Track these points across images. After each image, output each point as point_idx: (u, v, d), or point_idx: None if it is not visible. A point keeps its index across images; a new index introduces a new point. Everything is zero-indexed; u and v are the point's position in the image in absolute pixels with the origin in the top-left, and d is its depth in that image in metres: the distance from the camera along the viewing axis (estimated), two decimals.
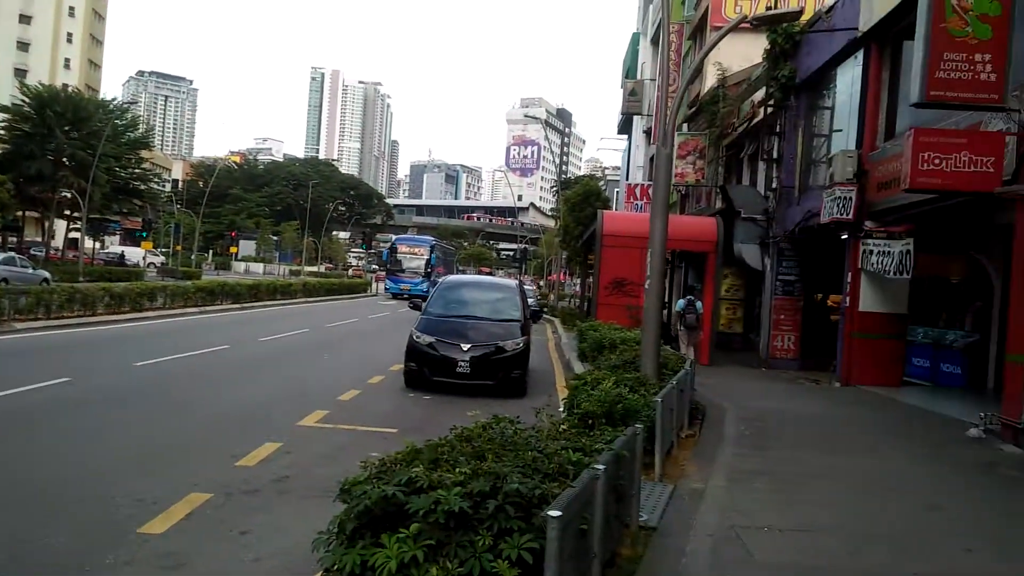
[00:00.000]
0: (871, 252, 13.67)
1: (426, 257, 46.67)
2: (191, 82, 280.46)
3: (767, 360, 17.97)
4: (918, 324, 15.74)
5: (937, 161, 10.27)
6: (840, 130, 16.50)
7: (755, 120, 20.62)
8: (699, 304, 17.08)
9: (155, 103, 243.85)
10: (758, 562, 5.06)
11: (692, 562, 5.00)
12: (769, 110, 19.07)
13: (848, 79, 16.10)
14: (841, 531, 5.78)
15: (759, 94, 19.98)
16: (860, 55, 15.16)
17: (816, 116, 18.03)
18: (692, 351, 15.98)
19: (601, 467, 4.28)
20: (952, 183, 10.28)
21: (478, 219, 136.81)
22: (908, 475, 7.78)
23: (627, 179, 46.51)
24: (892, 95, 14.26)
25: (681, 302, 17.37)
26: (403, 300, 39.19)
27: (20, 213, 47.61)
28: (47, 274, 30.89)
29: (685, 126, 27.49)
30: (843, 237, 15.07)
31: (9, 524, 5.21)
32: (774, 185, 18.98)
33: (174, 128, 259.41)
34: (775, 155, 19.09)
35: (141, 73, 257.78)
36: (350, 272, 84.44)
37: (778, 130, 18.99)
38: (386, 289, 47.11)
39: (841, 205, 14.25)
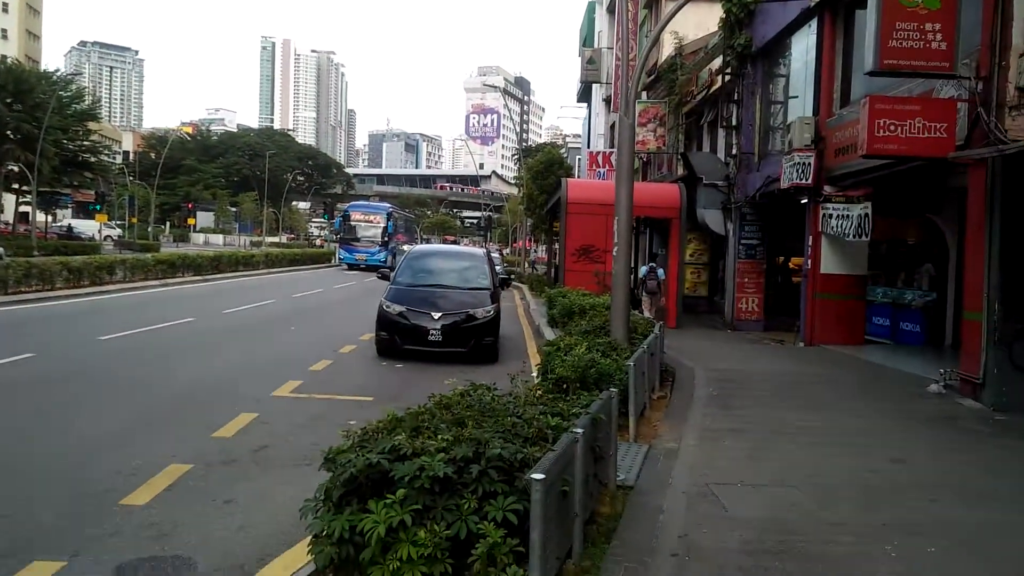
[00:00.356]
0: (831, 216, 13.96)
1: (383, 225, 43.81)
2: (136, 52, 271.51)
3: (732, 322, 18.32)
4: (877, 285, 16.17)
5: (892, 127, 10.48)
6: (796, 97, 16.70)
7: (713, 88, 20.75)
8: (660, 271, 17.64)
9: (100, 74, 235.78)
10: (732, 516, 5.25)
11: (669, 518, 5.16)
12: (727, 78, 19.19)
13: (803, 47, 16.27)
14: (810, 485, 6.00)
15: (716, 62, 20.08)
16: (814, 24, 15.31)
17: (773, 83, 18.21)
18: (655, 314, 16.47)
19: (580, 430, 4.39)
20: (907, 149, 10.52)
21: (450, 188, 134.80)
22: (873, 430, 8.07)
23: (588, 147, 46.50)
24: (847, 62, 14.47)
25: (644, 268, 17.71)
26: (363, 271, 38.26)
27: None
28: (0, 249, 30.04)
29: (644, 94, 27.52)
30: (803, 201, 15.35)
31: None
32: (734, 151, 19.18)
33: (121, 100, 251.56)
34: (734, 122, 19.26)
35: (83, 43, 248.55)
36: (318, 242, 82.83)
37: (736, 97, 19.14)
38: (340, 260, 43.65)
39: (800, 171, 14.49)
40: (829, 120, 14.40)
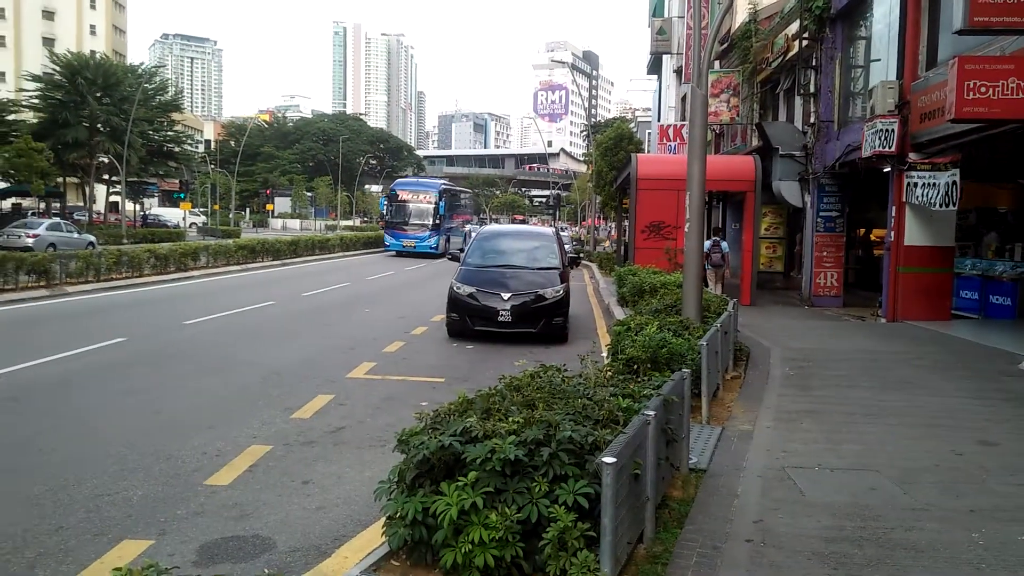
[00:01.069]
0: (915, 184, 13.35)
1: (433, 204, 37.85)
2: (215, 43, 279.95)
3: (810, 298, 17.80)
4: (966, 256, 15.42)
5: (983, 89, 9.95)
6: (879, 60, 15.96)
7: (789, 54, 20.02)
8: (724, 244, 17.54)
9: (181, 65, 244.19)
10: (809, 501, 5.12)
11: (744, 502, 5.07)
12: (804, 43, 18.49)
13: (886, 7, 15.51)
14: (892, 469, 5.79)
15: (793, 27, 19.35)
16: None
17: (853, 47, 17.45)
18: (719, 287, 16.59)
19: (651, 412, 4.34)
20: (1000, 111, 9.98)
21: (539, 169, 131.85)
22: (959, 410, 7.72)
23: (659, 120, 45.64)
24: (933, 22, 13.73)
25: (707, 242, 17.44)
26: (418, 257, 35.25)
27: (61, 179, 48.43)
28: (92, 238, 31.61)
29: (717, 63, 26.80)
30: (886, 170, 14.72)
31: (88, 480, 5.47)
32: (812, 120, 18.51)
33: (202, 89, 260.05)
34: (812, 89, 18.57)
35: (165, 36, 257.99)
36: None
37: (814, 63, 18.43)
38: (386, 246, 38.41)
39: (883, 138, 13.89)
40: (914, 84, 13.73)
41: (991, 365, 10.12)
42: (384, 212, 41.57)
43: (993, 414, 7.57)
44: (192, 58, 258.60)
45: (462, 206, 47.01)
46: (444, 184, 43.31)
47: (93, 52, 54.88)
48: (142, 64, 57.38)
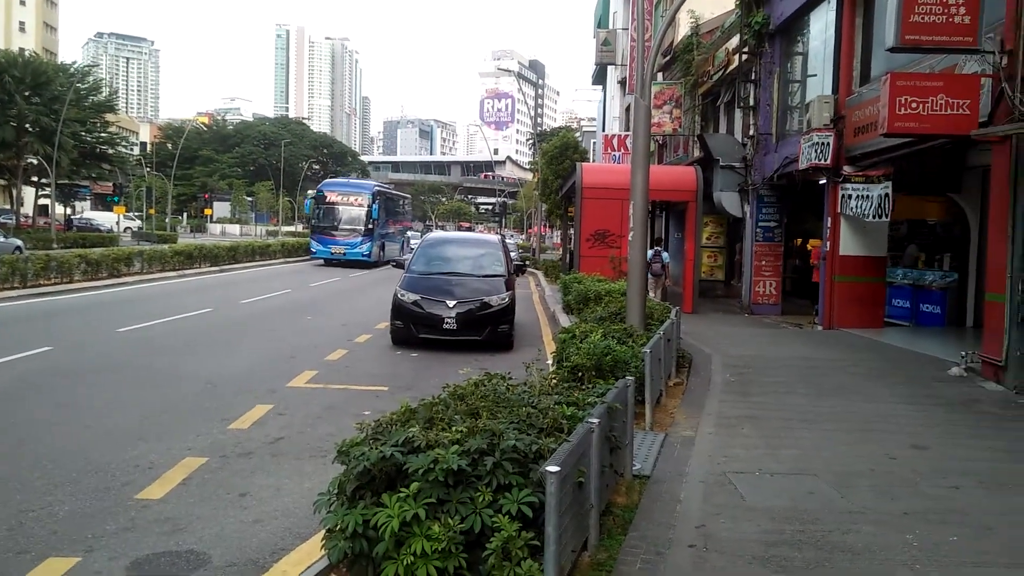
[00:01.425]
0: (850, 196, 13.75)
1: (366, 207, 34.16)
2: (152, 43, 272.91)
3: (749, 306, 18.17)
4: (897, 266, 15.96)
5: (914, 105, 10.29)
6: (815, 75, 16.44)
7: (730, 68, 20.47)
8: (665, 254, 18.32)
9: (116, 65, 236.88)
10: (750, 506, 5.19)
11: (686, 508, 5.11)
12: (744, 57, 18.93)
13: (822, 24, 16.01)
14: (829, 473, 5.92)
15: (733, 41, 19.81)
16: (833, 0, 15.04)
17: (791, 62, 17.94)
18: (659, 295, 17.19)
19: (595, 420, 4.34)
20: (929, 127, 10.32)
21: (492, 177, 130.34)
22: (893, 415, 7.95)
23: (603, 130, 46.21)
24: (866, 39, 14.21)
25: (648, 252, 17.78)
26: (350, 267, 32.07)
27: None
28: (19, 242, 30.34)
29: (660, 75, 27.26)
30: (822, 182, 15.14)
31: (11, 496, 5.20)
32: (751, 132, 18.95)
33: (138, 90, 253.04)
34: (751, 102, 19.01)
35: (100, 35, 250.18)
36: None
37: (753, 77, 18.88)
38: (312, 254, 34.65)
39: (819, 150, 14.28)
40: (849, 99, 14.16)
41: (923, 371, 10.46)
42: (310, 216, 36.68)
43: (925, 419, 7.81)
44: (128, 58, 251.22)
45: (400, 211, 43.73)
46: (378, 186, 39.48)
47: (22, 50, 52.90)
48: (74, 63, 55.56)
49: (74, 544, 4.51)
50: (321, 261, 34.07)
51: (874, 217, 13.16)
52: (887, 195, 12.88)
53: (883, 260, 14.96)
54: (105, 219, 56.35)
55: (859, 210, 13.49)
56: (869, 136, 12.80)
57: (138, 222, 63.73)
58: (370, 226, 34.01)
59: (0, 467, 5.80)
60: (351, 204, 34.33)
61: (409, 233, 48.07)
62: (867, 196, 13.32)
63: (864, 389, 9.29)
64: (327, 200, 34.65)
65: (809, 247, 19.09)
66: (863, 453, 6.51)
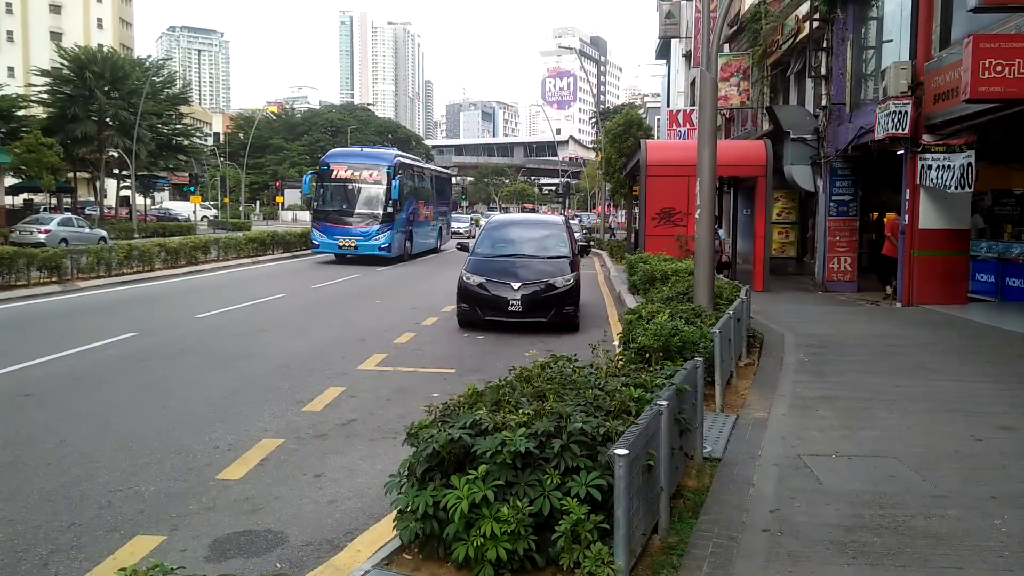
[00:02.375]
0: (930, 167, 13.18)
1: (384, 186, 25.74)
2: (222, 34, 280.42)
3: (823, 283, 17.65)
4: (982, 238, 15.23)
5: (999, 68, 9.79)
6: (891, 41, 15.74)
7: (800, 36, 19.78)
8: (721, 231, 17.80)
9: (189, 58, 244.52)
10: (827, 489, 5.05)
11: (760, 491, 5.00)
12: (815, 24, 18.26)
13: None
14: (910, 456, 5.71)
15: (803, 8, 19.11)
16: None
17: (865, 28, 17.21)
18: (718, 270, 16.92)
19: (664, 402, 4.28)
20: (1016, 91, 9.82)
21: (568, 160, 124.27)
22: (978, 395, 7.62)
23: (668, 105, 45.35)
24: (946, 1, 13.51)
25: None
26: (355, 262, 25.43)
27: (71, 174, 48.67)
28: (104, 233, 31.76)
29: (726, 46, 26.53)
30: (899, 153, 14.54)
31: (100, 476, 5.46)
32: (823, 103, 18.30)
33: (210, 82, 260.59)
34: (823, 71, 18.35)
35: (172, 28, 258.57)
36: None
37: (825, 45, 18.20)
38: (314, 247, 26.64)
39: (896, 119, 13.70)
40: (927, 64, 13.52)
41: (1009, 348, 9.99)
42: (310, 197, 27.77)
43: (1012, 398, 7.46)
44: (199, 50, 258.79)
45: (433, 190, 33.14)
46: (401, 156, 29.17)
47: (100, 46, 55.09)
48: (149, 57, 57.62)
49: (160, 523, 4.71)
50: (332, 257, 26.68)
51: (956, 188, 12.58)
52: (970, 164, 12.28)
53: (966, 232, 14.30)
54: (182, 209, 58.38)
55: (940, 181, 12.91)
56: (950, 103, 12.21)
57: (213, 211, 65.79)
58: (389, 209, 25.53)
59: (89, 446, 6.09)
60: (364, 180, 25.89)
61: (456, 218, 46.33)
62: (948, 166, 12.73)
63: (946, 368, 8.92)
64: (332, 175, 26.10)
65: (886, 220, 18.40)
66: (946, 434, 6.27)
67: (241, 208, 69.27)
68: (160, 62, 56.42)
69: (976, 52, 9.82)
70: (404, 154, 30.75)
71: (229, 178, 75.99)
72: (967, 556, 4.07)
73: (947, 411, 7.00)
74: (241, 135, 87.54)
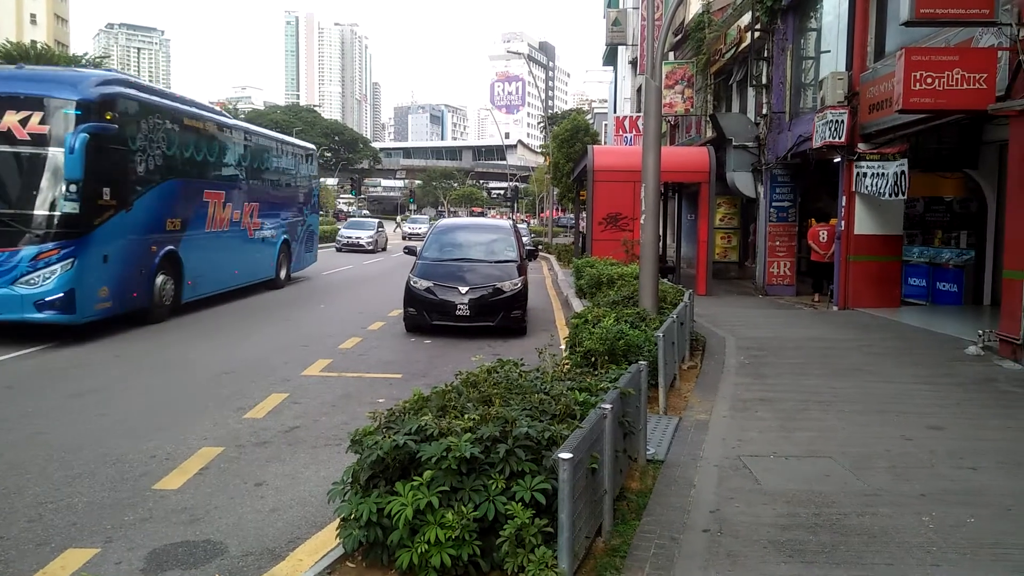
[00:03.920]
0: (865, 174, 13.60)
1: (57, 152, 10.42)
2: (163, 32, 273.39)
3: (764, 287, 18.06)
4: (913, 244, 15.78)
5: (929, 80, 10.14)
6: (828, 52, 16.22)
7: (742, 45, 20.24)
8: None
9: (128, 56, 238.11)
10: (765, 490, 5.17)
11: (701, 492, 5.09)
12: (756, 35, 18.70)
13: None
14: (845, 455, 5.88)
15: (745, 18, 19.57)
16: None
17: (804, 38, 17.71)
18: None
19: (608, 406, 4.33)
20: (945, 102, 10.17)
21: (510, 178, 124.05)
22: (909, 395, 7.88)
23: (615, 111, 45.89)
24: (880, 14, 13.98)
25: None
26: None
27: None
28: None
29: (671, 54, 26.99)
30: (836, 161, 14.98)
31: (30, 488, 5.27)
32: (764, 111, 18.76)
33: (150, 81, 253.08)
34: (764, 80, 18.81)
35: (111, 26, 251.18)
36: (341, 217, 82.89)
37: (766, 55, 18.66)
38: None
39: (833, 128, 14.12)
40: (863, 75, 13.97)
41: (939, 351, 10.36)
42: None
43: (941, 399, 7.75)
44: (139, 48, 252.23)
45: (259, 170, 17.82)
46: (124, 86, 12.03)
47: (34, 42, 53.11)
48: (86, 55, 55.80)
49: (93, 535, 4.56)
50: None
51: (890, 195, 13.01)
52: (903, 172, 12.72)
53: (899, 239, 14.81)
54: None
55: (875, 188, 13.34)
56: (884, 113, 12.63)
57: None
58: (72, 206, 10.60)
59: (19, 457, 5.86)
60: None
61: (414, 219, 48.72)
62: (882, 174, 13.16)
63: (880, 369, 9.22)
64: None
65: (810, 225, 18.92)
66: (879, 434, 6.47)
67: None
68: (97, 60, 54.79)
69: (908, 64, 10.17)
70: (140, 82, 13.76)
71: None
72: (897, 552, 4.21)
73: (880, 412, 7.23)
74: None
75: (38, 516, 4.82)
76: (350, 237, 36.09)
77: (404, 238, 48.30)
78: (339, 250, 34.98)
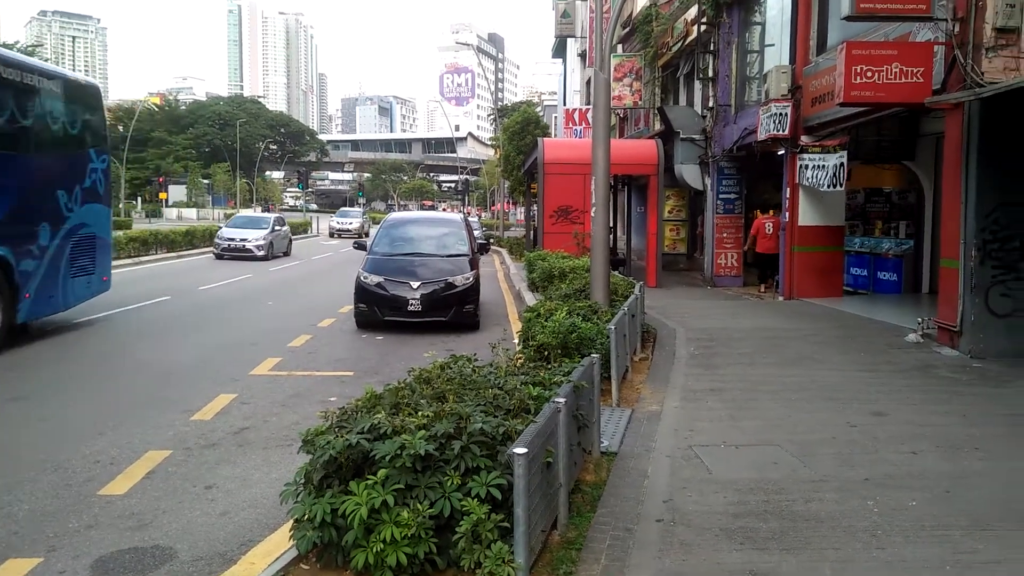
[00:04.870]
0: (806, 167, 13.91)
1: None
2: (99, 20, 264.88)
3: (712, 278, 18.36)
4: (855, 235, 16.22)
5: (869, 74, 10.38)
6: (773, 45, 16.52)
7: (689, 39, 20.48)
8: None
9: (62, 45, 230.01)
10: (716, 479, 5.26)
11: (654, 483, 5.16)
12: (702, 28, 18.94)
13: None
14: (792, 443, 6.02)
15: (692, 12, 19.80)
16: None
17: (749, 32, 18.00)
18: None
19: (562, 400, 4.35)
20: (884, 95, 10.43)
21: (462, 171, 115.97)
22: (853, 383, 8.10)
23: (564, 104, 46.06)
24: (822, 8, 14.29)
25: None
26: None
27: None
28: None
29: (620, 47, 27.18)
30: (780, 153, 15.28)
31: None
32: (711, 104, 19.02)
33: (85, 70, 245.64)
34: (710, 74, 19.05)
35: (43, 13, 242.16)
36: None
37: (712, 48, 18.91)
38: None
39: (777, 121, 14.40)
40: (806, 68, 14.27)
41: (881, 338, 10.68)
42: None
43: (883, 386, 7.98)
44: (74, 37, 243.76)
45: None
46: None
47: None
48: (17, 43, 53.74)
49: (35, 544, 4.41)
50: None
51: (829, 187, 13.34)
52: (842, 164, 13.04)
53: (841, 229, 15.19)
54: None
55: (815, 180, 13.66)
56: (826, 106, 12.92)
57: None
58: None
59: None
60: None
61: (343, 211, 46.17)
62: (822, 166, 13.48)
63: (824, 358, 9.46)
64: None
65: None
66: (824, 421, 6.64)
67: (120, 205, 65.71)
68: (30, 48, 52.82)
69: (849, 58, 10.41)
70: None
71: None
72: (843, 537, 4.33)
73: (825, 399, 7.42)
74: (120, 127, 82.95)
75: None
76: (232, 240, 26.98)
77: (332, 236, 45.64)
78: (219, 257, 26.71)
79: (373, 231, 15.77)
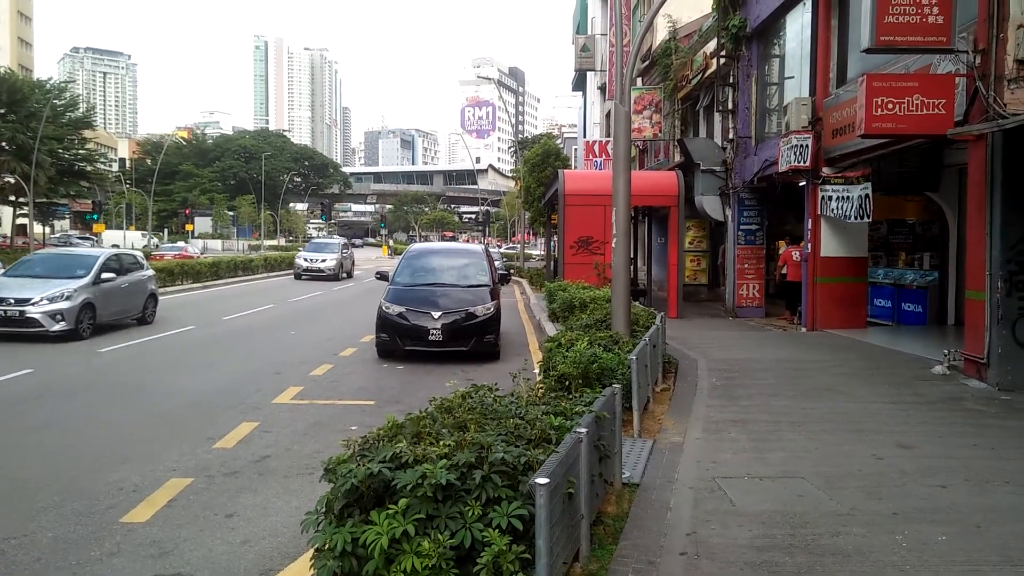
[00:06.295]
0: (830, 198, 13.86)
1: None
2: (129, 57, 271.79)
3: (733, 309, 18.25)
4: (878, 266, 16.07)
5: (890, 106, 10.38)
6: (792, 78, 16.59)
7: (708, 72, 20.62)
8: None
9: (93, 80, 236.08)
10: (740, 511, 5.19)
11: (677, 515, 5.10)
12: (722, 61, 19.08)
13: (798, 26, 16.15)
14: (817, 476, 5.93)
15: (711, 45, 19.96)
16: (808, 1, 15.19)
17: (768, 65, 18.10)
18: None
19: (583, 430, 4.33)
20: (906, 127, 10.41)
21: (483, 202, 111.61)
22: (878, 415, 7.99)
23: (584, 136, 46.38)
24: (842, 40, 14.35)
25: None
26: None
27: None
28: None
29: (639, 80, 27.40)
30: (801, 184, 15.25)
31: None
32: (731, 136, 19.08)
33: (116, 106, 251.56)
34: (730, 106, 19.15)
35: (76, 50, 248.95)
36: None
37: (731, 81, 19.02)
38: None
39: (798, 153, 14.39)
40: (826, 100, 14.28)
41: (906, 370, 10.53)
42: None
43: (909, 418, 7.86)
44: (105, 73, 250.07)
45: None
46: None
47: None
48: (51, 79, 55.19)
49: (59, 571, 4.44)
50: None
51: (856, 218, 13.26)
52: (867, 196, 12.98)
53: (864, 260, 15.07)
54: (112, 238, 55.46)
55: (840, 211, 13.59)
56: (847, 137, 12.91)
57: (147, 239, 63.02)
58: None
59: None
60: None
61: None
62: (847, 197, 13.42)
63: (849, 390, 9.33)
64: None
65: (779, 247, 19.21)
66: (850, 454, 6.54)
67: (149, 236, 66.69)
68: (62, 84, 54.12)
69: (870, 90, 10.42)
70: None
71: (136, 205, 73.15)
72: (872, 572, 4.25)
73: (850, 431, 7.31)
74: (149, 161, 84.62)
75: (0, 552, 4.68)
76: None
77: (297, 277, 33.22)
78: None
79: (395, 261, 15.86)
